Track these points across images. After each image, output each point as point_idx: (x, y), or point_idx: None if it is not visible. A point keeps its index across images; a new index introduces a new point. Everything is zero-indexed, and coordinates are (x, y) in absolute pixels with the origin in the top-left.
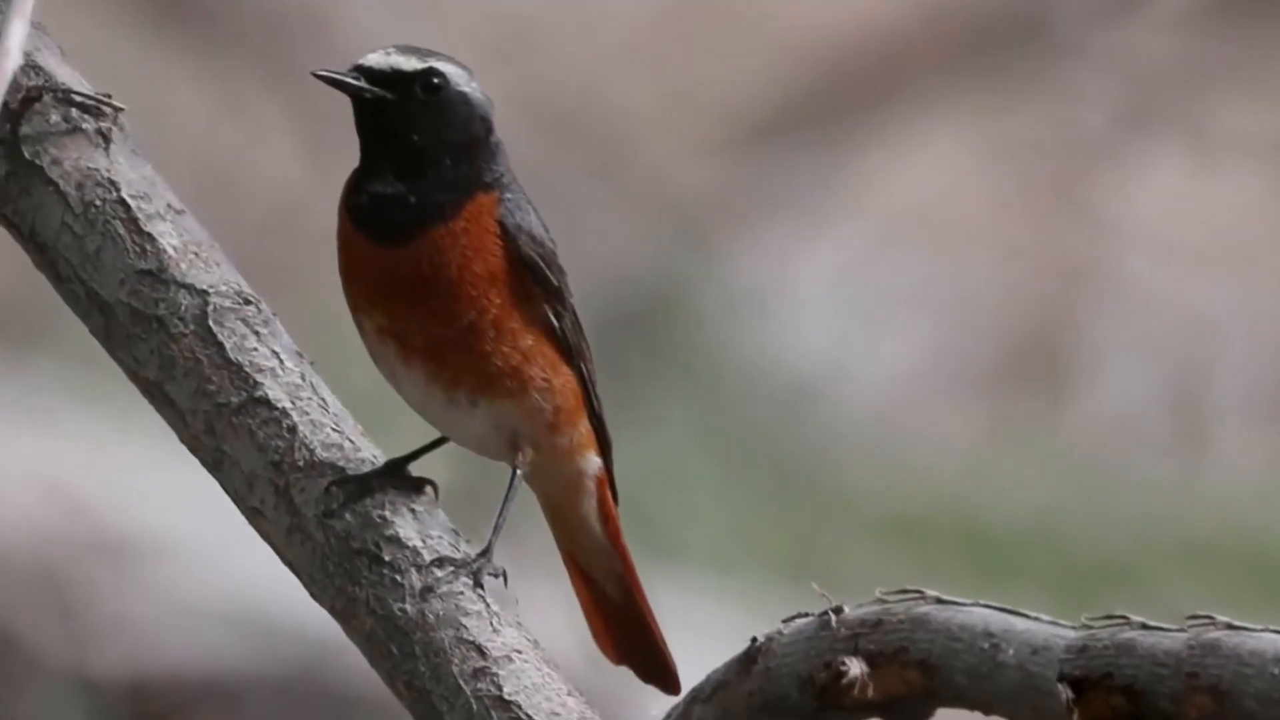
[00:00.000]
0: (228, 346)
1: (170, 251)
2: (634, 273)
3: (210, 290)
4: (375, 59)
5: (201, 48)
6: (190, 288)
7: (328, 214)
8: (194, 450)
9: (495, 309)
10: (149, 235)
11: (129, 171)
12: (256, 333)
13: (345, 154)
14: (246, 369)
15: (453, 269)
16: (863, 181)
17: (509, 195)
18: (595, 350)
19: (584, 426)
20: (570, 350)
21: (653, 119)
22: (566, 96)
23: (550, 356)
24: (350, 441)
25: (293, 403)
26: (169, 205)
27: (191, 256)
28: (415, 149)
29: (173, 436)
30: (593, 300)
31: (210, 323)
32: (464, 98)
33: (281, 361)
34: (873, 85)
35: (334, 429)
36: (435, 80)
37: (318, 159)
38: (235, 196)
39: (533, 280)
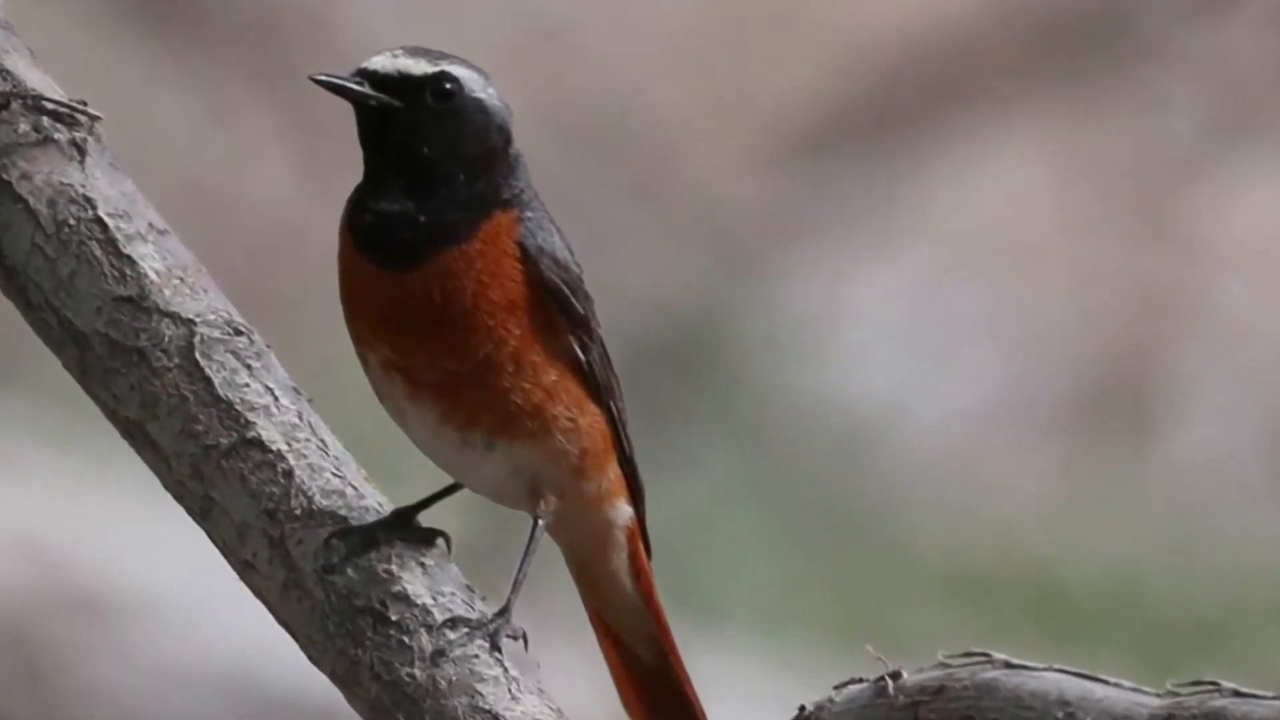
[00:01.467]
0: (216, 382)
1: (152, 276)
2: (671, 300)
3: (197, 319)
4: (381, 61)
5: (187, 49)
6: (175, 317)
7: (327, 234)
8: (179, 497)
9: (514, 341)
10: (129, 258)
11: (106, 187)
12: (248, 366)
13: (347, 167)
14: (237, 407)
15: (467, 296)
16: (926, 199)
17: (529, 214)
18: (627, 386)
19: (613, 471)
20: (598, 386)
21: (693, 129)
22: (597, 104)
23: (576, 393)
24: (353, 488)
25: (289, 444)
26: (151, 225)
27: (176, 282)
28: (425, 162)
29: (155, 482)
30: (624, 331)
31: (197, 355)
32: (480, 105)
33: (276, 399)
34: (937, 92)
35: (335, 474)
36: (448, 85)
37: (316, 173)
38: (225, 215)
39: (556, 309)
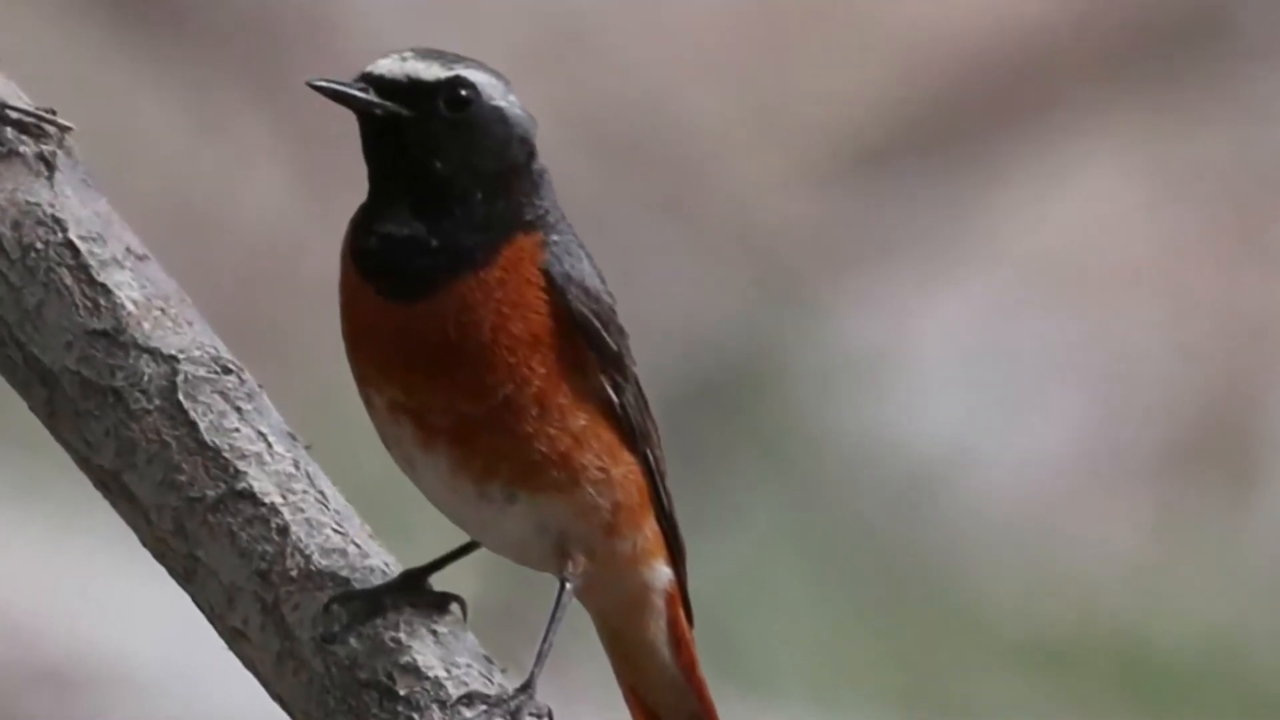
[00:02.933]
0: (202, 426)
1: (130, 307)
2: (711, 333)
3: (180, 356)
4: (388, 65)
5: (171, 50)
6: (155, 353)
7: (327, 258)
8: (160, 556)
9: (539, 380)
10: (103, 287)
11: (78, 207)
12: (238, 409)
13: (349, 183)
14: (226, 455)
15: (485, 329)
16: (1000, 219)
17: (556, 237)
18: (665, 431)
19: (650, 528)
20: (633, 432)
21: (734, 139)
22: (625, 112)
23: (608, 440)
24: (356, 546)
25: (284, 497)
26: (128, 249)
27: (156, 313)
28: (438, 179)
29: (133, 539)
30: (661, 368)
31: (180, 396)
32: (499, 114)
33: (270, 445)
34: (1012, 98)
35: (335, 530)
36: (464, 92)
37: (316, 189)
38: (213, 237)
39: (586, 344)
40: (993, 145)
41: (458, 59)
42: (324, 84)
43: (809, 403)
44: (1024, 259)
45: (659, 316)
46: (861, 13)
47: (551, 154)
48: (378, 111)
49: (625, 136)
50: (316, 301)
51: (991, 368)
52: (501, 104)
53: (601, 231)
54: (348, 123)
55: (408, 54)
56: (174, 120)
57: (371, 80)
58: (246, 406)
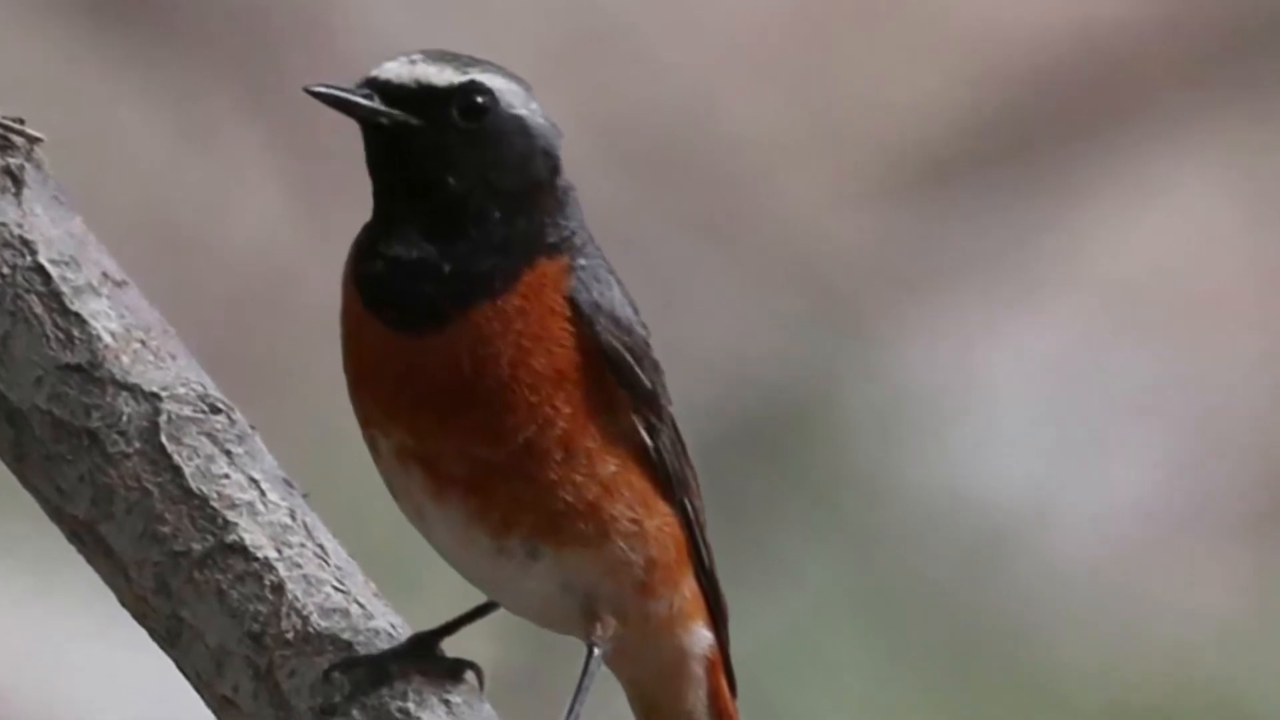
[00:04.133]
0: (187, 472)
1: (106, 339)
2: (758, 368)
3: (163, 393)
4: (395, 69)
5: (153, 52)
6: (135, 390)
7: (328, 285)
8: (140, 617)
9: (564, 421)
10: (77, 316)
11: (49, 227)
12: (228, 453)
13: (352, 201)
14: (214, 504)
15: (503, 365)
16: (1078, 241)
17: (583, 261)
18: (705, 478)
19: (688, 587)
20: (669, 479)
21: (782, 151)
22: (662, 122)
23: (641, 488)
24: (359, 605)
25: (279, 551)
26: (105, 274)
27: (137, 346)
28: (451, 196)
29: (111, 599)
30: (701, 407)
31: (163, 439)
32: (520, 124)
33: (263, 493)
34: (1092, 106)
35: (336, 587)
36: (480, 99)
37: (314, 208)
38: (200, 261)
39: (616, 381)
40: (1070, 158)
41: (473, 62)
42: (324, 90)
43: (866, 446)
44: (1104, 285)
45: (698, 349)
46: (925, 10)
47: (577, 167)
48: (384, 121)
49: (659, 148)
50: (316, 332)
51: (1069, 407)
52: (522, 112)
53: (633, 254)
54: (351, 133)
55: (417, 56)
56: (156, 129)
57: (377, 86)
58: (237, 450)
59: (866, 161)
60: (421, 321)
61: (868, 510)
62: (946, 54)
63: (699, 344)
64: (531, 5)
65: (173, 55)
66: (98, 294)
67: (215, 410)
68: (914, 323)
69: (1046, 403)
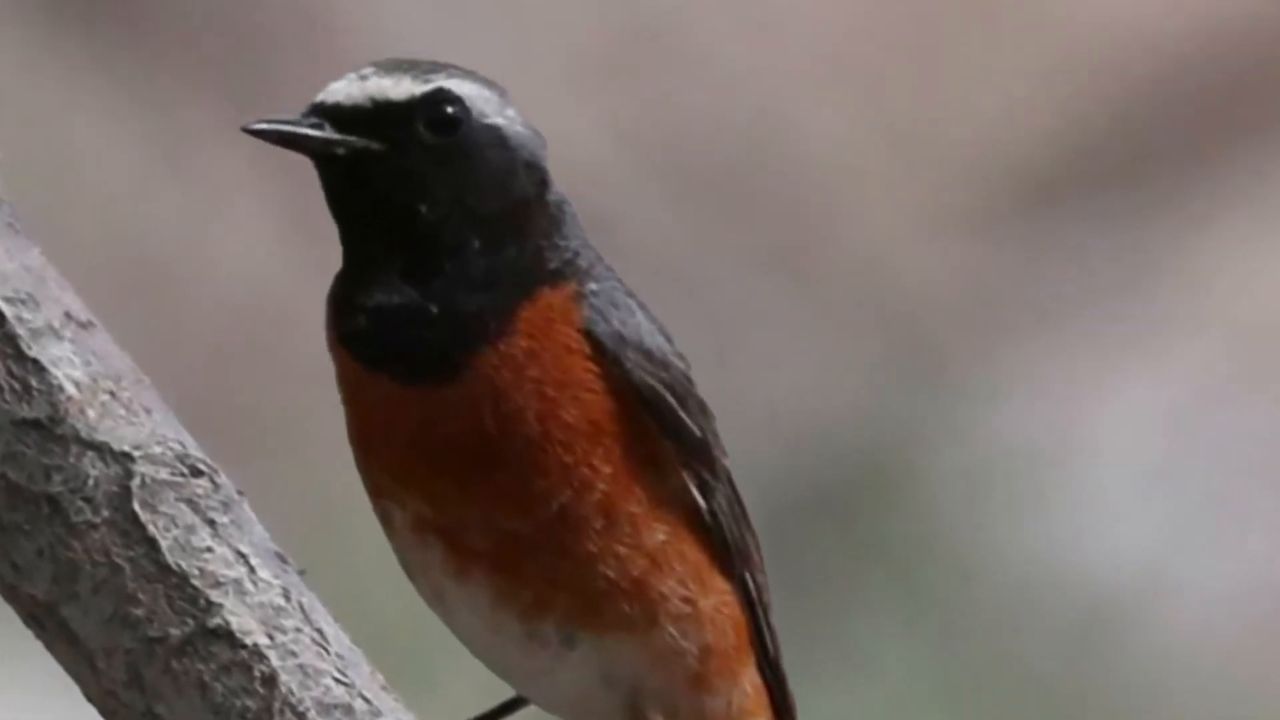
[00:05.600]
0: (164, 545)
1: (70, 390)
2: (830, 422)
3: (136, 453)
4: (344, 89)
5: (125, 58)
6: (103, 449)
7: (322, 324)
8: (109, 714)
9: (603, 483)
10: (35, 364)
11: (3, 259)
12: (211, 522)
13: None
14: (195, 582)
15: (529, 419)
16: (1201, 276)
17: (593, 286)
18: (768, 549)
19: (749, 679)
20: (727, 549)
21: (861, 174)
22: (722, 138)
23: (695, 561)
24: (364, 700)
25: (270, 637)
26: (68, 315)
27: (105, 398)
28: (425, 227)
29: (75, 692)
30: (764, 468)
31: (136, 506)
32: (497, 135)
33: (252, 569)
34: (1220, 119)
35: (338, 679)
36: (449, 110)
37: (310, 238)
38: (178, 300)
39: (659, 429)
40: (1192, 179)
41: (435, 68)
42: (264, 127)
43: (953, 514)
44: (1231, 327)
45: (761, 402)
46: (1023, 8)
47: (621, 190)
48: (338, 151)
49: (717, 168)
50: (313, 381)
51: (1191, 469)
52: (498, 121)
53: (685, 292)
54: None
55: (368, 70)
56: (126, 145)
57: (324, 112)
58: (222, 519)
59: (956, 184)
60: (429, 373)
61: (956, 588)
62: (1049, 58)
63: (762, 395)
64: (570, 1)
65: (145, 59)
66: (59, 337)
67: (196, 473)
68: (1010, 371)
69: (1163, 463)
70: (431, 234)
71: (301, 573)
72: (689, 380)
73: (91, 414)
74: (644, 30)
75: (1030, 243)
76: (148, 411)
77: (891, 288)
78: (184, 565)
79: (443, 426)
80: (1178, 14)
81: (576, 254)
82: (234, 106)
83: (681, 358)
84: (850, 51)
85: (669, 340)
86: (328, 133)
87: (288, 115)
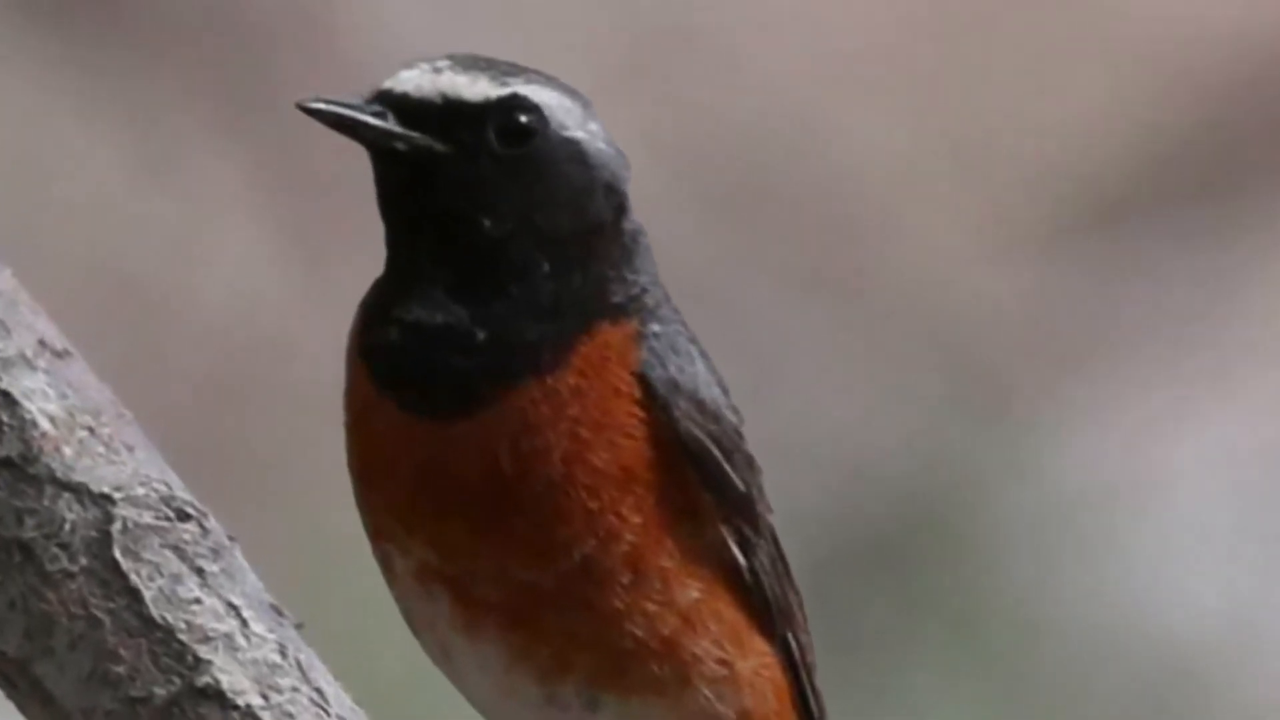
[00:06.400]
0: (148, 596)
1: (44, 425)
2: (880, 462)
3: (117, 495)
4: (415, 80)
5: (105, 57)
6: (81, 491)
7: (326, 356)
8: None
9: (632, 533)
10: (6, 397)
11: None
12: (199, 571)
13: (358, 250)
14: (182, 636)
15: (554, 460)
16: None
17: (656, 328)
18: (813, 604)
19: None
20: (767, 608)
21: (913, 189)
22: (758, 148)
23: (732, 620)
24: None
25: (265, 697)
26: (42, 343)
27: (83, 434)
28: (487, 243)
29: None
30: (807, 513)
31: (117, 553)
32: (575, 150)
33: (244, 623)
34: None
35: None
36: (523, 118)
37: (310, 258)
38: (164, 326)
39: (700, 482)
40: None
41: (514, 70)
42: (322, 107)
43: (1018, 562)
44: None
45: (803, 439)
46: (1097, 4)
47: (644, 204)
48: (399, 146)
49: (752, 180)
50: (311, 416)
51: (1277, 510)
52: (578, 135)
53: (717, 316)
54: (358, 162)
55: (443, 63)
56: (108, 154)
57: (390, 101)
58: (211, 567)
59: (1019, 198)
60: (449, 404)
61: (1020, 644)
62: (1121, 61)
63: (804, 432)
64: (590, 6)
65: (128, 58)
66: (32, 367)
67: (183, 516)
68: (1080, 405)
69: (1247, 504)
70: (492, 251)
71: (299, 626)
72: (739, 435)
73: (68, 452)
74: (670, 28)
75: (1102, 264)
76: (130, 449)
77: (948, 313)
78: (170, 618)
79: (455, 466)
80: (1265, 10)
81: (644, 290)
82: (226, 112)
83: (735, 412)
84: (901, 50)
85: (725, 392)
86: (390, 124)
87: (351, 98)
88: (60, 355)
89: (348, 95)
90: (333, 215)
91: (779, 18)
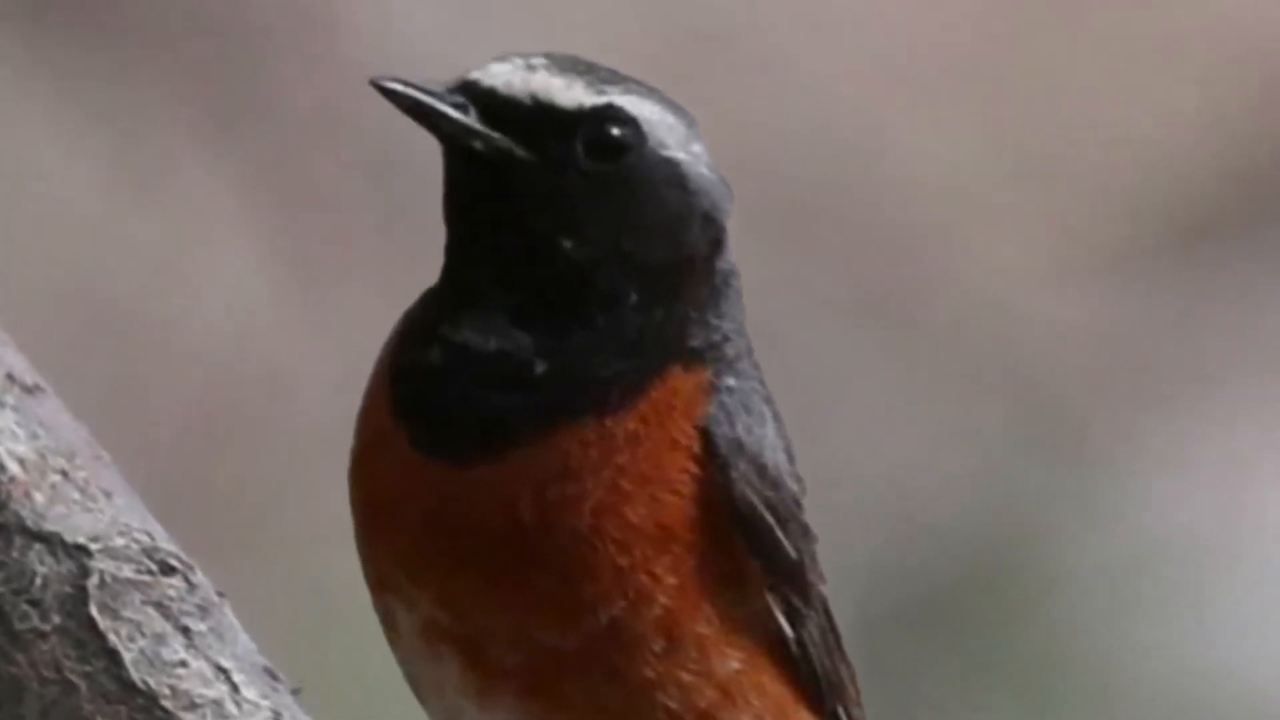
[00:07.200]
0: (128, 658)
1: (13, 469)
2: (939, 509)
3: (93, 546)
4: (506, 75)
5: (84, 60)
6: (53, 541)
7: (326, 389)
8: None
9: (667, 596)
10: None
11: None
12: (185, 630)
13: (363, 274)
14: (165, 702)
15: (583, 511)
16: None
17: (731, 381)
18: (866, 666)
19: None
20: (815, 682)
21: (975, 205)
22: (805, 162)
23: (776, 695)
24: None
25: None
26: (10, 377)
27: (56, 478)
28: (566, 265)
29: None
30: (860, 565)
31: (94, 610)
32: (675, 173)
33: (235, 687)
34: None
35: None
36: (617, 132)
37: (309, 282)
38: (148, 357)
39: (748, 548)
40: None
41: (614, 79)
42: (398, 88)
43: (1094, 619)
44: None
45: (854, 482)
46: (1178, 4)
47: None
48: (477, 145)
49: (799, 196)
50: (310, 457)
51: None
52: (679, 156)
53: (758, 344)
54: (363, 175)
55: (537, 61)
56: (87, 167)
57: (475, 94)
58: (198, 626)
59: (1093, 216)
60: (470, 446)
61: (1094, 708)
62: (1207, 66)
63: (855, 474)
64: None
65: (108, 59)
66: (0, 404)
67: (167, 570)
68: (1159, 444)
69: None
70: (570, 276)
71: (296, 691)
72: (798, 504)
73: (39, 498)
74: (706, 26)
75: (1184, 287)
76: (108, 495)
77: (1014, 341)
78: (152, 682)
79: (470, 509)
80: None
81: (726, 339)
82: (216, 119)
83: (798, 480)
84: (964, 51)
85: (791, 459)
86: (471, 119)
87: (430, 84)
88: (31, 391)
89: (428, 81)
90: (335, 235)
91: (828, 14)
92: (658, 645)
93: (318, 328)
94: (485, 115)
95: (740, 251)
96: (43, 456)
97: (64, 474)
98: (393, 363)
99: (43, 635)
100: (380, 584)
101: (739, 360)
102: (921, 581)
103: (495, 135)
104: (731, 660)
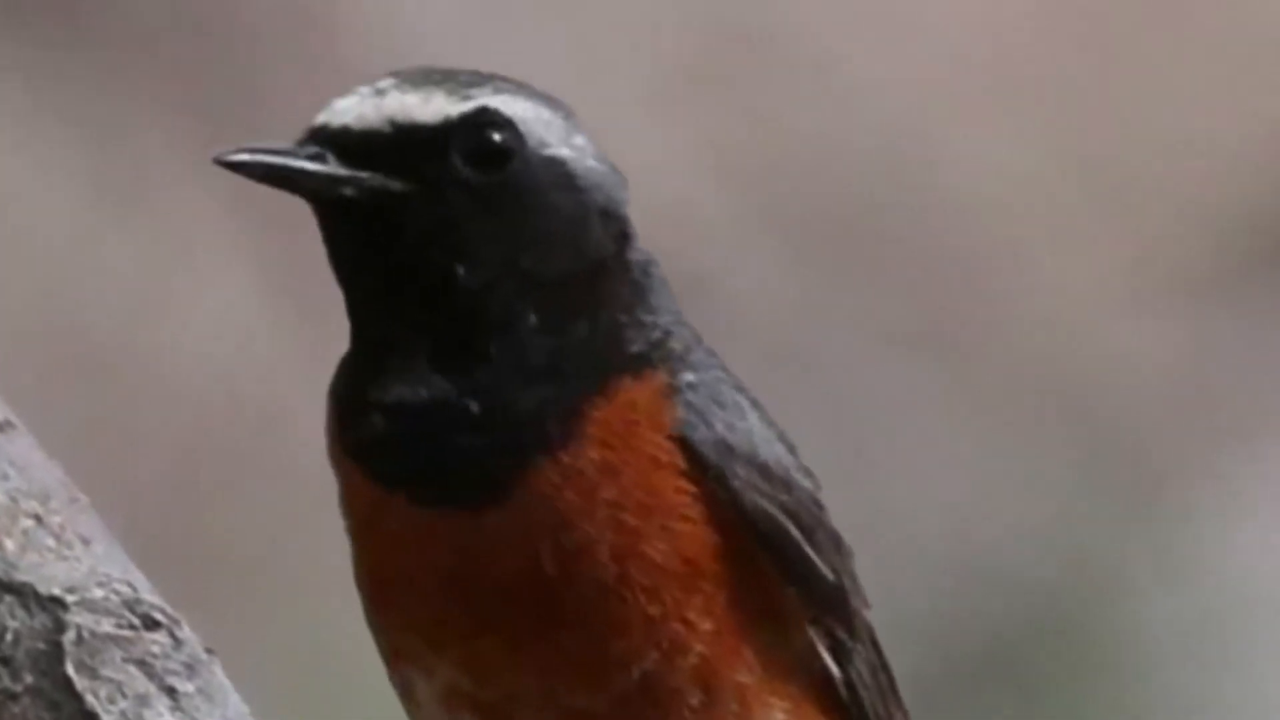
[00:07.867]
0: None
1: None
2: (1001, 554)
3: (69, 598)
4: (354, 109)
5: (67, 71)
6: (25, 593)
7: (322, 423)
8: None
9: (702, 644)
10: None
11: None
12: (170, 690)
13: None
14: None
15: (603, 558)
16: None
17: (690, 376)
18: (923, 716)
19: None
20: None
21: (1037, 224)
22: (849, 174)
23: None
24: None
25: None
26: None
27: (28, 524)
28: (465, 296)
29: None
30: (916, 613)
31: (69, 668)
32: (562, 171)
33: None
34: None
35: None
36: (496, 136)
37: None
38: (128, 388)
39: (779, 572)
40: None
41: (477, 80)
42: (244, 158)
43: (1169, 677)
44: None
45: (909, 524)
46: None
47: (717, 240)
48: (346, 192)
49: (845, 212)
50: (306, 500)
51: None
52: (562, 152)
53: (802, 378)
54: None
55: (385, 83)
56: (65, 182)
57: (327, 138)
58: (185, 686)
59: (1170, 236)
60: (473, 490)
61: None
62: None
63: (909, 519)
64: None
65: (87, 64)
66: None
67: (151, 624)
68: (1243, 488)
69: None
70: (472, 305)
71: None
72: (819, 505)
73: (10, 546)
74: (745, 26)
75: (1271, 315)
76: (85, 542)
77: (1084, 374)
78: None
79: (487, 566)
80: None
81: (668, 333)
82: (205, 131)
83: (809, 475)
84: (1027, 53)
85: (791, 451)
86: (331, 167)
87: (277, 144)
88: (1, 428)
89: (274, 141)
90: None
91: (881, 12)
92: (695, 699)
93: (315, 359)
94: (346, 157)
95: (783, 272)
96: (14, 500)
97: (37, 519)
98: (345, 444)
99: (13, 696)
100: (397, 654)
101: (690, 352)
102: (981, 635)
103: (363, 175)
104: (776, 710)
